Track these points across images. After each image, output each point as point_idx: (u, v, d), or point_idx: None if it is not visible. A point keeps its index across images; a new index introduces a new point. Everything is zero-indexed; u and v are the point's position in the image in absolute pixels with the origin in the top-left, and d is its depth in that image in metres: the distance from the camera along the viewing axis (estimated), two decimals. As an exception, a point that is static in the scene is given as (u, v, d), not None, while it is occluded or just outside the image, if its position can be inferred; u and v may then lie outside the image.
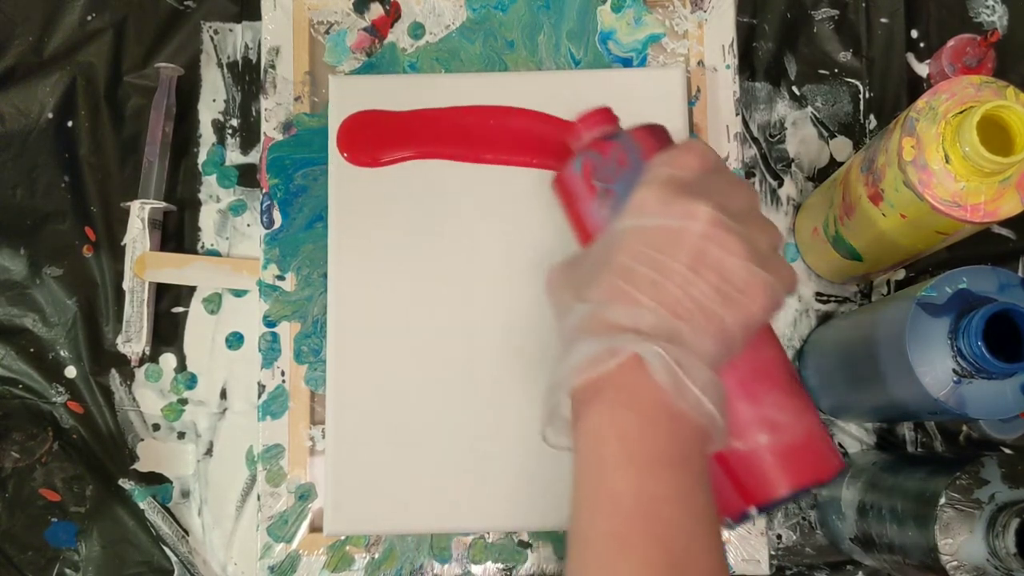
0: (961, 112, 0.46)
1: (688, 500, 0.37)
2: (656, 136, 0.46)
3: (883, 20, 0.65)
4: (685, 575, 0.35)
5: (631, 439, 0.37)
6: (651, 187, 0.40)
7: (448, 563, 0.59)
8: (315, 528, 0.59)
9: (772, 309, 0.40)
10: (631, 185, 0.42)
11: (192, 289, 0.64)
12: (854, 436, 0.62)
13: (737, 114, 0.62)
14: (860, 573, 0.61)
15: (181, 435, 0.63)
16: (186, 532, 0.62)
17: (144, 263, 0.63)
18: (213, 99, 0.66)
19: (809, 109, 0.65)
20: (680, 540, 0.36)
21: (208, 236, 0.65)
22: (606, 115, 0.48)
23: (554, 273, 0.44)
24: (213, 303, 0.64)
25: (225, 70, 0.66)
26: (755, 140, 0.65)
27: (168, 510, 0.62)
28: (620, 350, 0.37)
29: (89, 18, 0.66)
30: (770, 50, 0.66)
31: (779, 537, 0.61)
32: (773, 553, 0.61)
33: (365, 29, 0.64)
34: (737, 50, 0.63)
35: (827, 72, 0.65)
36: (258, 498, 0.60)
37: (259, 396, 0.60)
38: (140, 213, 0.63)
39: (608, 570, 0.35)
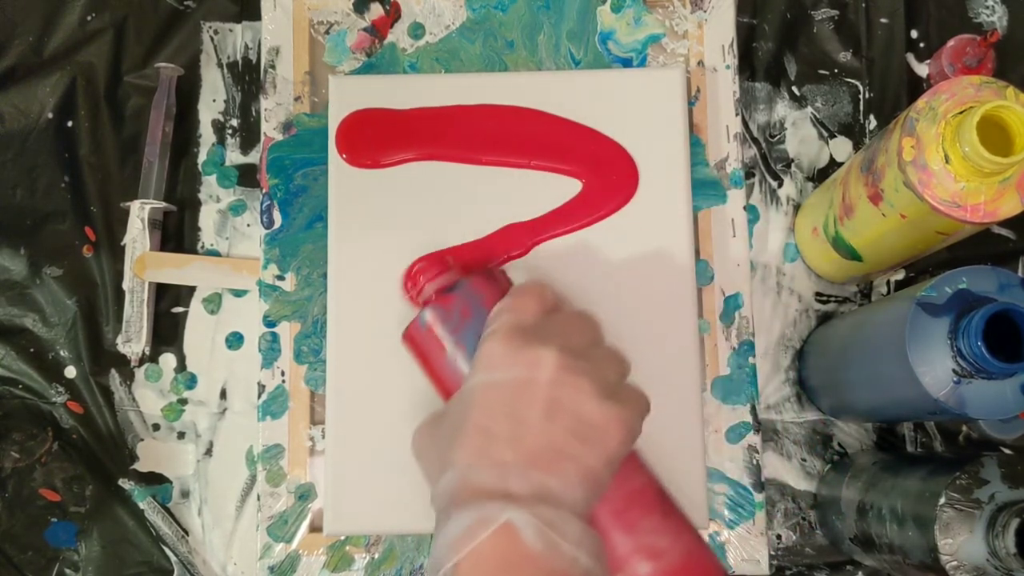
0: (961, 112, 0.46)
1: None
2: (494, 281, 0.47)
3: (883, 20, 0.65)
4: None
5: None
6: (495, 338, 0.41)
7: (448, 563, 0.59)
8: (315, 528, 0.59)
9: (630, 440, 0.41)
10: (478, 335, 0.43)
11: (192, 289, 0.64)
12: (854, 436, 0.62)
13: (737, 114, 0.62)
14: (860, 573, 0.61)
15: (181, 435, 0.63)
16: (186, 532, 0.62)
17: (144, 263, 0.63)
18: (213, 99, 0.66)
19: (809, 109, 0.65)
20: None
21: (208, 236, 0.65)
22: (441, 264, 0.49)
23: (419, 435, 0.45)
24: (213, 303, 0.64)
25: (225, 70, 0.66)
26: (755, 140, 0.65)
27: (168, 510, 0.62)
28: (491, 519, 0.37)
29: (89, 18, 0.66)
30: (770, 50, 0.66)
31: (779, 537, 0.61)
32: (773, 553, 0.61)
33: (365, 29, 0.64)
34: (737, 50, 0.63)
35: (827, 72, 0.65)
36: (258, 498, 0.60)
37: (259, 396, 0.60)
38: (140, 213, 0.63)
39: None
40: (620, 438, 0.40)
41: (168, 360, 0.64)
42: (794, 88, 0.65)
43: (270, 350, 0.61)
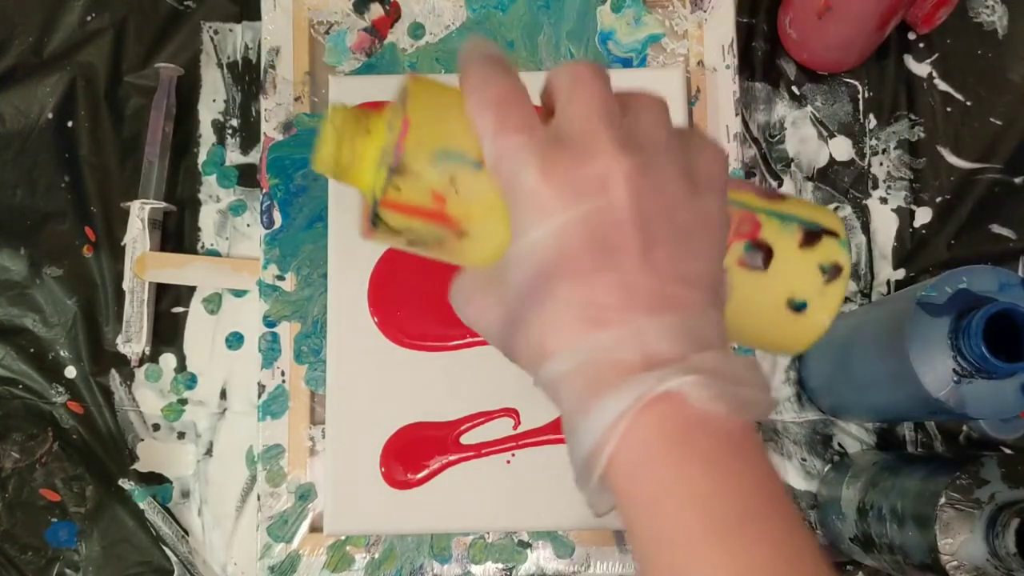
0: None
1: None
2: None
3: (883, 20, 0.65)
4: None
5: (703, 497, 0.28)
6: (527, 174, 0.30)
7: (448, 563, 0.59)
8: (315, 528, 0.59)
9: (727, 218, 0.32)
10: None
11: (192, 289, 0.64)
12: (854, 436, 0.62)
13: (737, 114, 0.62)
14: (860, 573, 0.61)
15: (181, 435, 0.63)
16: (186, 532, 0.62)
17: (144, 263, 0.63)
18: (213, 99, 0.66)
19: (808, 109, 0.65)
20: None
21: (208, 236, 0.65)
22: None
23: (471, 302, 0.33)
24: (213, 303, 0.64)
25: (225, 70, 0.66)
26: (755, 140, 0.65)
27: (168, 510, 0.62)
28: (644, 396, 0.28)
29: (89, 18, 0.66)
30: (769, 50, 0.66)
31: (779, 537, 0.61)
32: (773, 553, 0.60)
33: (365, 29, 0.64)
34: (737, 50, 0.63)
35: (826, 72, 0.65)
36: (258, 498, 0.59)
37: (259, 396, 0.60)
38: (140, 213, 0.63)
39: None
40: (724, 224, 0.32)
41: (168, 360, 0.63)
42: (793, 88, 0.65)
43: (270, 350, 0.61)
